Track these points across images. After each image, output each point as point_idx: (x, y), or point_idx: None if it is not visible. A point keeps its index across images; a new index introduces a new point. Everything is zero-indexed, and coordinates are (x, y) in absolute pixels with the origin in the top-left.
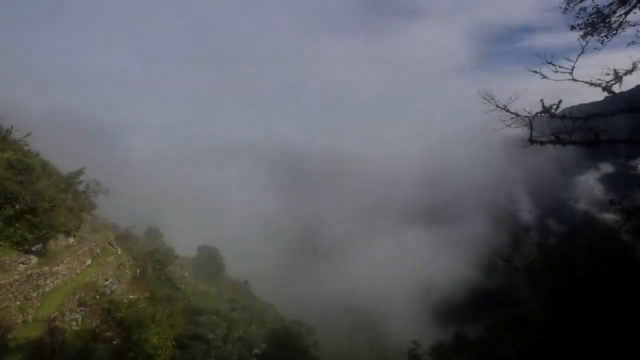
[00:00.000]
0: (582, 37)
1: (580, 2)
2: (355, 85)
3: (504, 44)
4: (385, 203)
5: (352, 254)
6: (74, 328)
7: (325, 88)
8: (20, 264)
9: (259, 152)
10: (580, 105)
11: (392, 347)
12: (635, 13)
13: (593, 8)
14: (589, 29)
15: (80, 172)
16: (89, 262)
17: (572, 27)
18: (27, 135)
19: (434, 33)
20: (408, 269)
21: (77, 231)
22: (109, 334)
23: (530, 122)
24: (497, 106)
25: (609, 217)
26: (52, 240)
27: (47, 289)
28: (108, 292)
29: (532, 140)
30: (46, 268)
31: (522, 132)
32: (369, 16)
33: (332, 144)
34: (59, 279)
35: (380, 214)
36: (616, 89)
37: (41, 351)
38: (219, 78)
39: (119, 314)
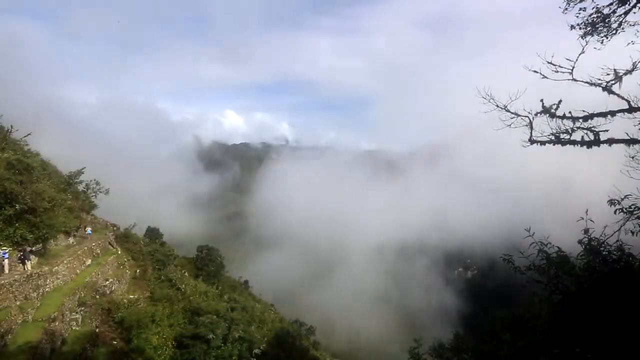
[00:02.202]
0: (582, 37)
1: (580, 1)
2: None
3: None
4: None
5: None
6: (74, 328)
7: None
8: (20, 264)
9: None
10: (580, 105)
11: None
12: (635, 13)
13: (593, 8)
14: (588, 28)
15: (80, 172)
16: (89, 262)
17: (572, 27)
18: (27, 135)
19: None
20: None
21: (77, 231)
22: (109, 334)
23: (530, 122)
24: (497, 106)
25: (609, 216)
26: (52, 240)
27: (47, 289)
28: (108, 292)
29: (532, 140)
30: (46, 268)
31: (522, 132)
32: None
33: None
34: (59, 279)
35: None
36: (616, 89)
37: (41, 351)
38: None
39: (119, 314)
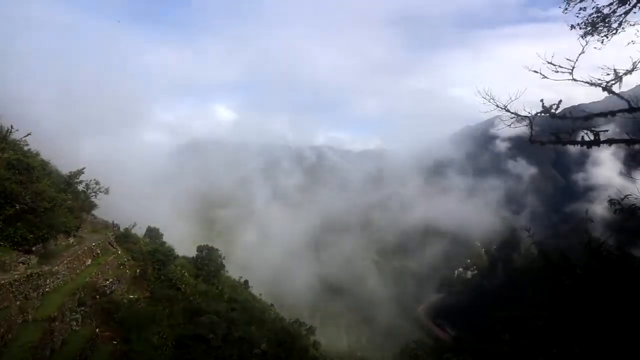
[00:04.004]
0: (582, 37)
1: (580, 1)
2: None
3: None
4: None
5: None
6: (74, 328)
7: None
8: (20, 264)
9: None
10: (580, 105)
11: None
12: (635, 13)
13: (593, 8)
14: (588, 28)
15: (80, 172)
16: (89, 262)
17: (572, 27)
18: (27, 135)
19: None
20: None
21: (77, 231)
22: (109, 334)
23: (530, 122)
24: (497, 106)
25: (609, 216)
26: (52, 240)
27: (47, 289)
28: (108, 292)
29: (532, 140)
30: (46, 268)
31: (522, 131)
32: None
33: None
34: (59, 279)
35: None
36: (616, 89)
37: (41, 351)
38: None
39: (119, 314)
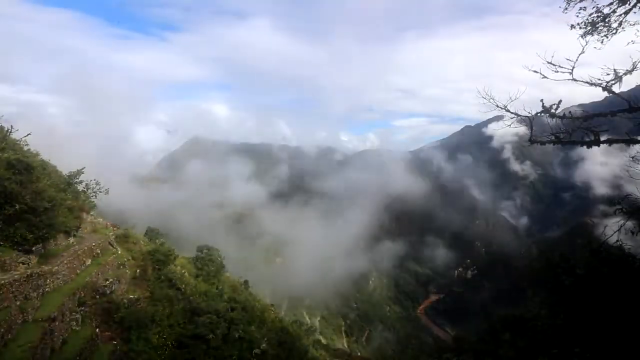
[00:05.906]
0: (582, 36)
1: (580, 1)
2: None
3: None
4: None
5: None
6: (74, 328)
7: None
8: (20, 264)
9: None
10: (580, 105)
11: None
12: (635, 13)
13: (593, 7)
14: (589, 28)
15: (80, 172)
16: (89, 262)
17: (572, 27)
18: (27, 135)
19: None
20: None
21: (77, 231)
22: (108, 334)
23: (530, 122)
24: (497, 106)
25: (610, 216)
26: (52, 240)
27: (47, 289)
28: (108, 292)
29: (532, 140)
30: (46, 268)
31: (522, 131)
32: None
33: None
34: (59, 279)
35: None
36: (616, 89)
37: (41, 351)
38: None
39: (119, 314)
